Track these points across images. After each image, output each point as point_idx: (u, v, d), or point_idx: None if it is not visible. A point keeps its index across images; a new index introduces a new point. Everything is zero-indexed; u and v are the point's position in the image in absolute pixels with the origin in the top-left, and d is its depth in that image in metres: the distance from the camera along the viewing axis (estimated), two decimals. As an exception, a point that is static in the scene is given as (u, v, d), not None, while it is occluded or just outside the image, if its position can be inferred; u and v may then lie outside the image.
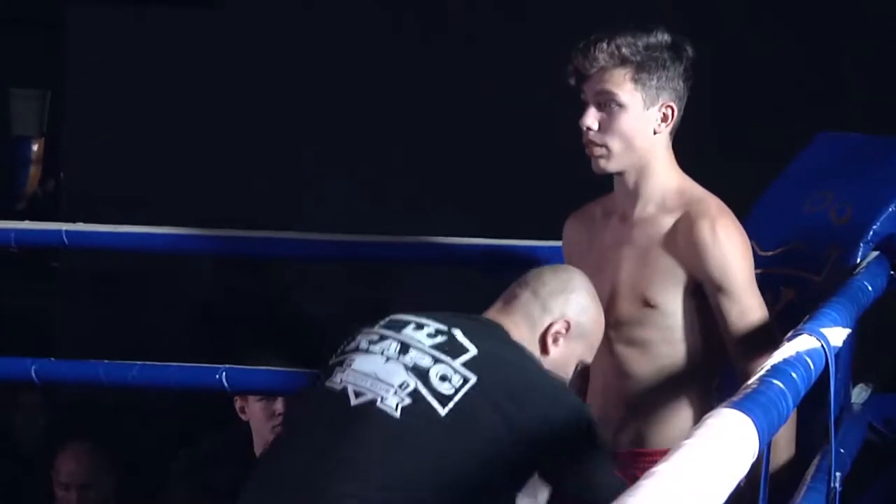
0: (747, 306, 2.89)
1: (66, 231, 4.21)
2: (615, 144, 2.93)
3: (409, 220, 4.88)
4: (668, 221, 2.95)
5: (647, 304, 2.95)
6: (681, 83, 2.94)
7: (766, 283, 3.09)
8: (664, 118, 2.92)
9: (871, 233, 3.08)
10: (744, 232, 2.91)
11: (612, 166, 2.93)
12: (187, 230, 4.07)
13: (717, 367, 2.97)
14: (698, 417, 2.76)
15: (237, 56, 7.81)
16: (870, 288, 2.80)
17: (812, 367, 2.14)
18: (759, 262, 3.13)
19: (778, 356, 2.11)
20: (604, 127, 2.92)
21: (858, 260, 3.04)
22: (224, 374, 3.78)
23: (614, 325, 2.94)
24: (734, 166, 5.22)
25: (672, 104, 2.92)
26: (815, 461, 2.55)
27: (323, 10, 7.96)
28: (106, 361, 3.94)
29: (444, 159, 7.11)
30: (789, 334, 2.23)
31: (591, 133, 2.91)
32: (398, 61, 7.61)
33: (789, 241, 3.16)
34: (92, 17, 7.32)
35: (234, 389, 3.99)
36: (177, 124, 6.73)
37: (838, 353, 2.30)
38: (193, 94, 7.54)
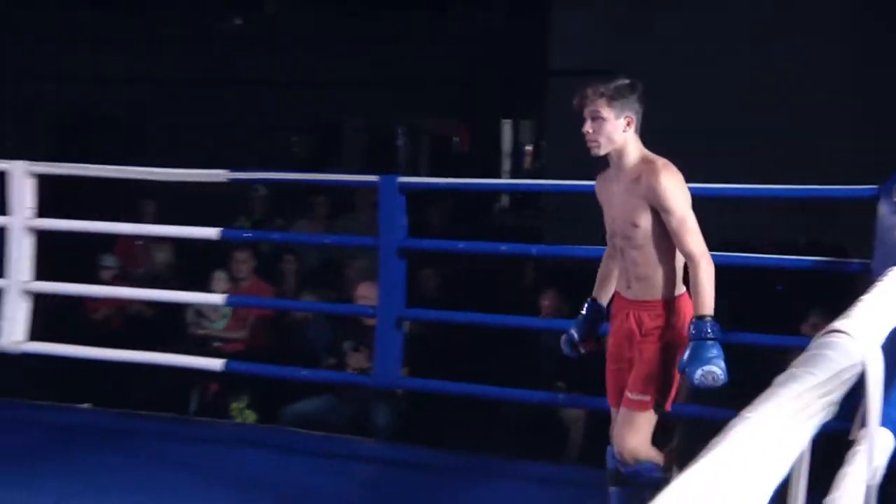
0: (680, 216, 3.04)
1: (550, 184, 5.05)
2: (602, 139, 3.11)
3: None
4: (637, 177, 3.10)
5: (634, 224, 3.13)
6: (637, 105, 3.12)
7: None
8: (628, 123, 3.11)
9: None
10: (679, 176, 3.08)
11: (601, 152, 3.14)
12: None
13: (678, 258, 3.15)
14: (669, 284, 3.11)
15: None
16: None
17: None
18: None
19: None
20: (595, 130, 3.10)
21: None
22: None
23: (622, 236, 3.18)
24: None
25: (631, 116, 3.11)
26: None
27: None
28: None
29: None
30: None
31: (589, 134, 3.11)
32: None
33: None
34: (560, 86, 8.25)
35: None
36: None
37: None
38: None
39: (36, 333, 5.03)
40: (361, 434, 4.95)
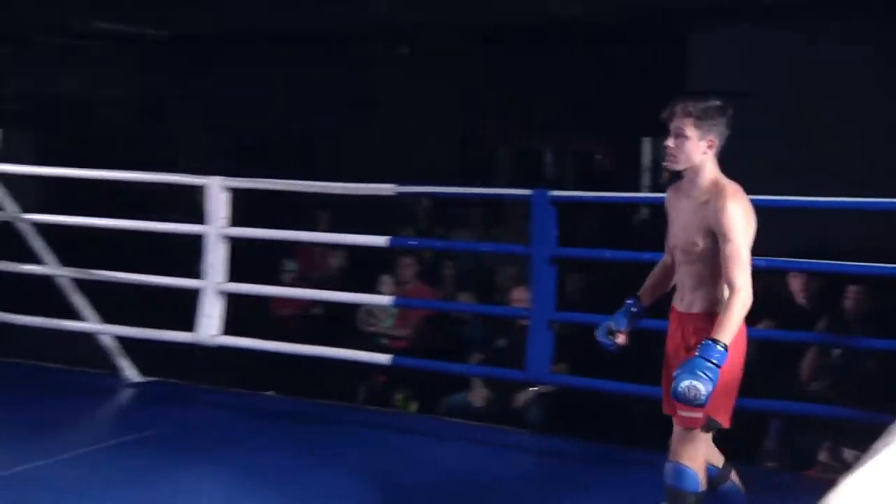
0: (735, 247, 2.90)
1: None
2: (681, 156, 3.01)
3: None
4: (706, 199, 2.99)
5: (694, 243, 3.01)
6: (723, 128, 3.01)
7: None
8: (709, 146, 2.99)
9: None
10: (746, 205, 2.95)
11: (678, 167, 3.05)
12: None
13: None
14: (715, 300, 2.98)
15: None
16: None
17: None
18: None
19: None
20: (676, 146, 3.00)
21: None
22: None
23: (682, 250, 3.08)
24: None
25: (714, 139, 2.99)
26: None
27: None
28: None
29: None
30: None
31: (669, 148, 3.02)
32: None
33: None
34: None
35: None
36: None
37: None
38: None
39: (229, 328, 5.21)
40: (513, 425, 5.00)
